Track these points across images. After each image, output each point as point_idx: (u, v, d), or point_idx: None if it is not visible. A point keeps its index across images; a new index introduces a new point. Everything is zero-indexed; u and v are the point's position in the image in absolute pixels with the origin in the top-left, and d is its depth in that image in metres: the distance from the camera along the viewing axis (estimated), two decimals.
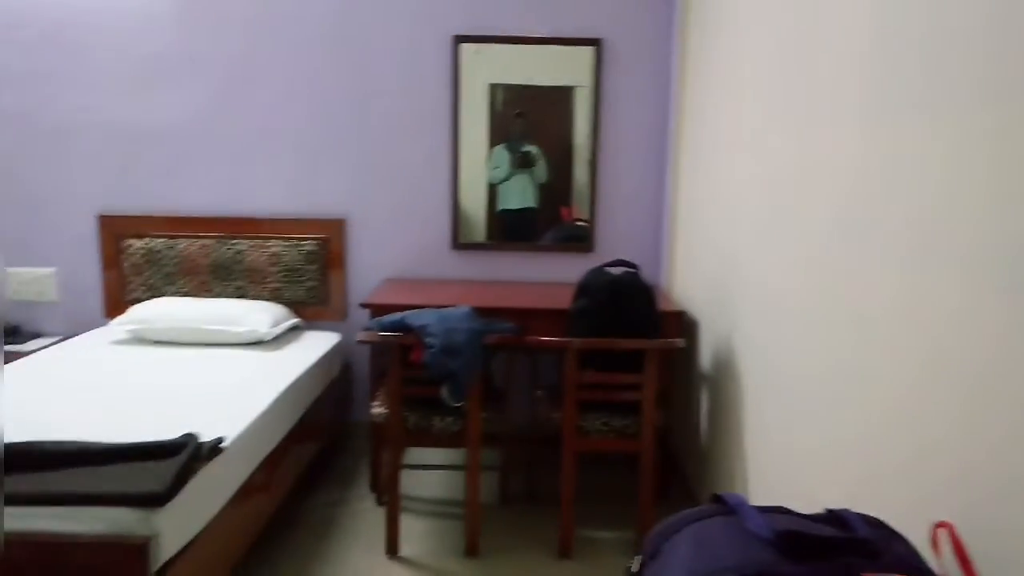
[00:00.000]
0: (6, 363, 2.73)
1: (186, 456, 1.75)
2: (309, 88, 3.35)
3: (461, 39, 3.29)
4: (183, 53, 3.31)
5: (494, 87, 3.36)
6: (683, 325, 2.95)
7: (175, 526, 1.67)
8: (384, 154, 3.41)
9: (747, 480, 2.23)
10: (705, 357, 2.80)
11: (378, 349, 2.81)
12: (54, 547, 1.56)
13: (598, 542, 2.62)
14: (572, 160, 3.43)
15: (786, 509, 1.26)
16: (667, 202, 3.36)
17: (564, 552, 2.51)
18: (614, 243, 3.44)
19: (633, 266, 2.59)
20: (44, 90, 3.32)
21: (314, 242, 3.40)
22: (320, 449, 3.03)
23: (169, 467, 1.70)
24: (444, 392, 2.37)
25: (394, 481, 2.51)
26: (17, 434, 1.85)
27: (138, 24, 3.28)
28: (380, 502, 2.88)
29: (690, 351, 2.97)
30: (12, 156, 3.36)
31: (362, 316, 3.31)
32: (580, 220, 3.47)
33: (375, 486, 2.97)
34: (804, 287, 1.82)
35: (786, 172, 1.96)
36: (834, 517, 1.18)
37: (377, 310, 2.87)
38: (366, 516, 2.78)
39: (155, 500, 1.60)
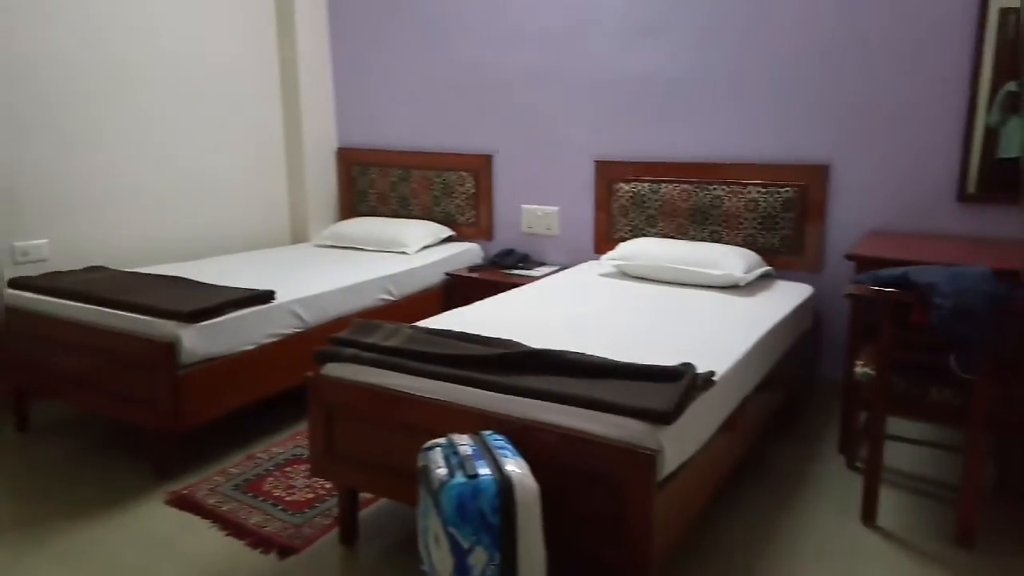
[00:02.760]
0: (521, 285, 3.25)
1: (686, 383, 1.87)
2: (787, 30, 3.23)
3: None
4: (668, 6, 3.46)
5: (1005, 12, 2.83)
6: None
7: (675, 445, 1.81)
8: (874, 92, 3.11)
9: None
10: None
11: (865, 304, 2.62)
12: (575, 440, 1.81)
13: None
14: None
15: None
16: None
17: None
18: None
19: None
20: (561, 49, 3.78)
21: (793, 189, 3.30)
22: (785, 401, 2.98)
23: (673, 390, 1.83)
24: (952, 360, 2.11)
25: (876, 448, 2.33)
26: (538, 343, 2.19)
27: None
28: (850, 465, 2.73)
29: None
30: (533, 107, 3.93)
31: (839, 269, 3.14)
32: None
33: (844, 447, 2.83)
34: None
35: None
36: None
37: (864, 263, 2.67)
38: (834, 477, 2.67)
39: (663, 417, 1.75)
